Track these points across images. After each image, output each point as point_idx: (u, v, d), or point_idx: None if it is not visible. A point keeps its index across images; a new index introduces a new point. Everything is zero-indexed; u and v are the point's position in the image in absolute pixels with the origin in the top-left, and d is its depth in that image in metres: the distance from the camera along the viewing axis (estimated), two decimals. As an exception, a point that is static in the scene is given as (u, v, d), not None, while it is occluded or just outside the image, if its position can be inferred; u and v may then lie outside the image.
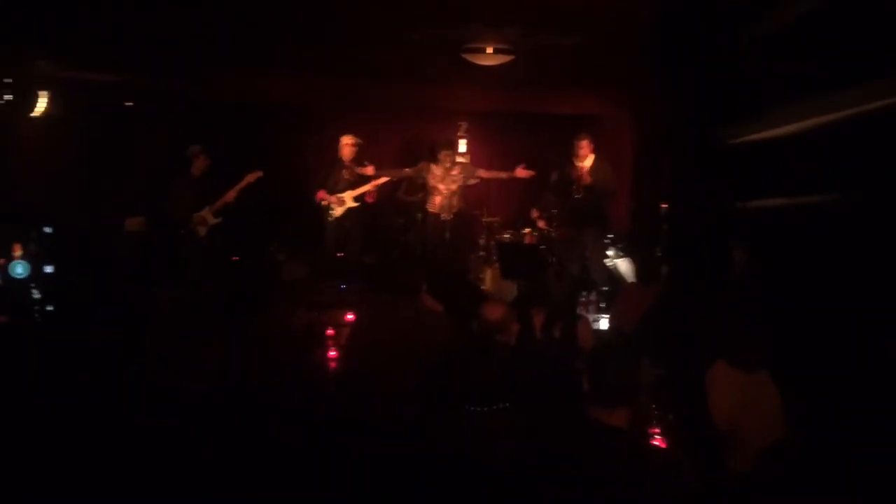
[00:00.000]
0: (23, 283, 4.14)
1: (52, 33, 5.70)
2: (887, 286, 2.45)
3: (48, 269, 4.19)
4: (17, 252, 4.26)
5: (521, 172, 7.50)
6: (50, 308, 4.19)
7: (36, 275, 4.15)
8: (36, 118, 6.49)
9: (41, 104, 6.54)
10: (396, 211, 9.20)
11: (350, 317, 5.33)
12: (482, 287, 7.88)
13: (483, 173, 7.84)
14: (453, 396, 3.06)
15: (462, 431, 2.90)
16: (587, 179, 6.87)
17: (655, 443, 2.95)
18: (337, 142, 7.97)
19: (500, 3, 4.81)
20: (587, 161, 6.97)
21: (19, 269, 4.07)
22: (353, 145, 7.80)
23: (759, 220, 2.76)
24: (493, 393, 2.91)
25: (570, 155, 7.02)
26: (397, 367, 3.50)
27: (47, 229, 4.43)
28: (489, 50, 6.16)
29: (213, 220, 7.48)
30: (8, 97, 6.11)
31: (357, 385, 3.66)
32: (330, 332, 5.18)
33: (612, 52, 6.17)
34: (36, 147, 6.65)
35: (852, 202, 2.28)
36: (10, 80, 6.10)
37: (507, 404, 2.89)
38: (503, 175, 7.75)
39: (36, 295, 4.15)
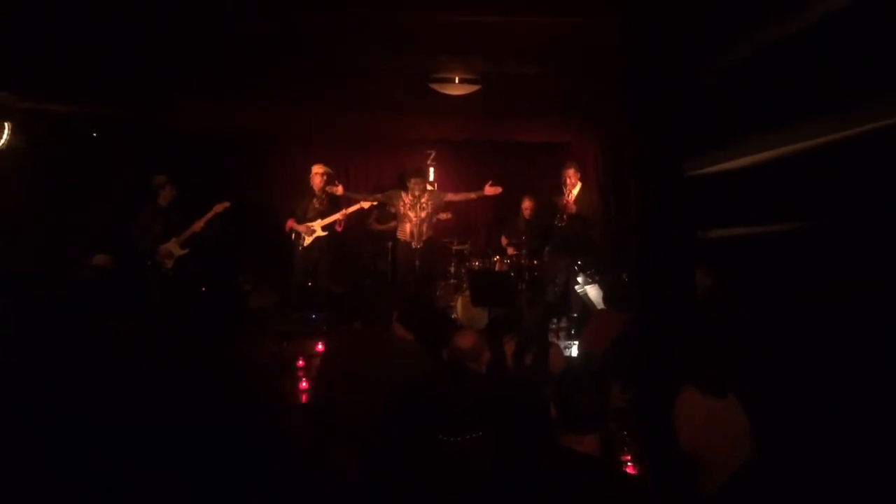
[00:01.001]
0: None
1: (14, 64, 5.65)
2: (850, 308, 2.50)
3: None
4: None
5: (489, 190, 7.59)
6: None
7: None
8: (-2, 150, 6.42)
9: (3, 136, 6.46)
10: (367, 239, 9.19)
11: (320, 347, 5.29)
12: (453, 315, 7.89)
13: (451, 196, 7.90)
14: (426, 426, 3.05)
15: (435, 461, 2.89)
16: (572, 209, 6.99)
17: (626, 469, 2.96)
18: (306, 171, 7.99)
19: (466, 34, 4.88)
20: (575, 190, 7.09)
21: None
22: (322, 174, 7.85)
23: (723, 248, 2.83)
24: (465, 422, 2.90)
25: (557, 183, 7.14)
26: (369, 397, 3.48)
27: None
28: (456, 80, 6.24)
29: (179, 252, 7.41)
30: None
31: (328, 415, 3.63)
32: (300, 362, 5.14)
33: (577, 80, 6.29)
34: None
35: (814, 231, 2.34)
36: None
37: (480, 433, 2.89)
38: (472, 195, 7.81)
39: None
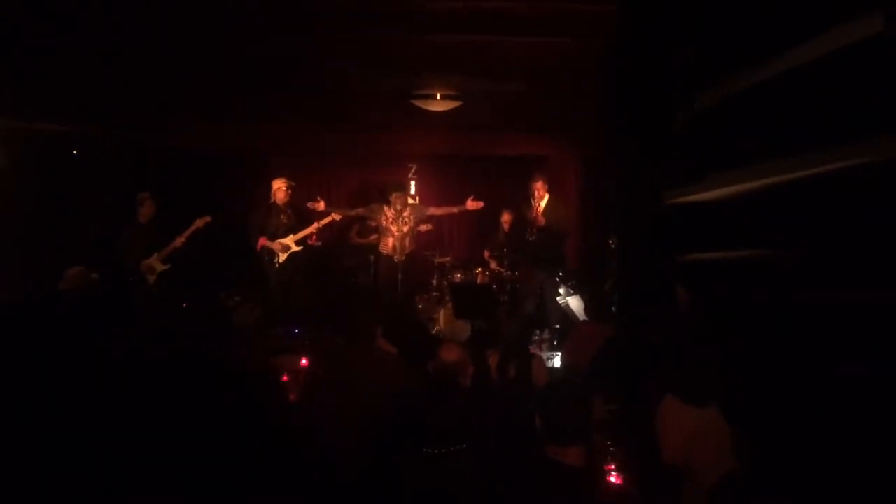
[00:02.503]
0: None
1: (1, 84, 5.64)
2: (823, 323, 2.59)
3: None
4: None
5: (471, 204, 7.63)
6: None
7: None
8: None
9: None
10: (349, 253, 9.19)
11: (304, 361, 5.28)
12: (436, 328, 7.92)
13: (434, 210, 7.92)
14: (411, 439, 3.07)
15: (419, 474, 2.91)
16: (541, 221, 7.04)
17: (611, 479, 3.00)
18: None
19: (448, 54, 4.94)
20: (542, 202, 7.15)
21: None
22: (286, 189, 7.74)
23: (702, 269, 2.91)
24: (450, 435, 2.92)
25: (527, 196, 7.20)
26: (353, 411, 3.49)
27: None
28: (438, 96, 6.30)
29: (161, 267, 7.38)
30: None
31: (313, 429, 3.64)
32: (284, 377, 5.12)
33: (558, 97, 6.38)
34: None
35: (782, 258, 2.47)
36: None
37: (465, 446, 2.91)
38: (454, 209, 7.85)
39: None
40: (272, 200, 7.77)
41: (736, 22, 2.51)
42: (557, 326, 7.26)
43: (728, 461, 2.97)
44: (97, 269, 6.54)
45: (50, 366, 3.82)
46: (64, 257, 6.63)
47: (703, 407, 3.02)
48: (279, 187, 7.73)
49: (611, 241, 7.44)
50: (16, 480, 2.88)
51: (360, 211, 8.03)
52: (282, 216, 7.74)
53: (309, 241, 7.86)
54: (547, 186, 7.21)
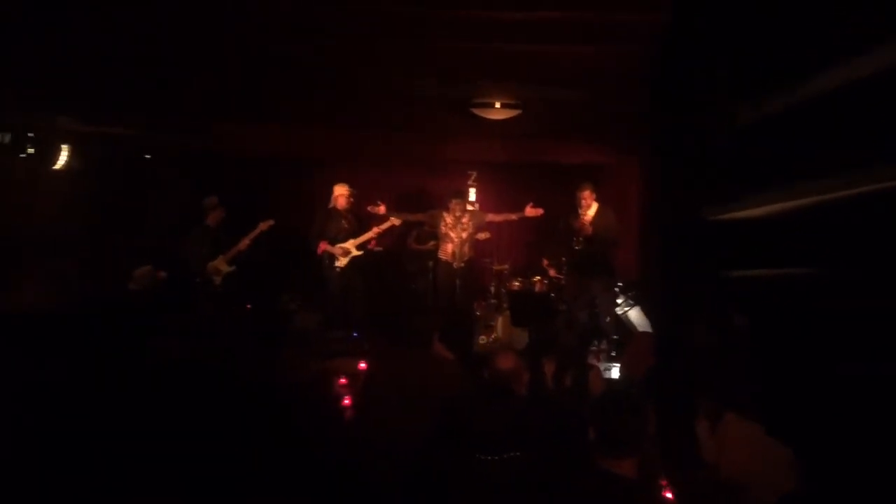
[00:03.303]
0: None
1: (72, 91, 5.91)
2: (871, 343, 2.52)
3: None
4: None
5: (530, 211, 7.60)
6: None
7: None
8: (58, 170, 6.70)
9: (61, 158, 6.74)
10: (407, 259, 9.28)
11: (362, 365, 5.36)
12: (493, 335, 7.92)
13: (492, 217, 7.92)
14: (464, 445, 3.09)
15: (472, 480, 2.93)
16: (588, 230, 6.93)
17: (664, 494, 2.96)
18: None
19: (506, 63, 4.95)
20: (590, 211, 7.05)
21: None
22: (347, 195, 7.87)
23: (752, 288, 2.86)
24: (503, 442, 2.94)
25: (573, 205, 7.11)
26: (409, 416, 3.53)
27: None
28: (497, 105, 6.31)
29: (226, 269, 7.61)
30: (31, 150, 6.33)
31: (369, 433, 3.69)
32: (343, 380, 5.21)
33: (618, 104, 6.32)
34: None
35: (832, 276, 2.43)
36: (33, 135, 6.31)
37: (518, 453, 2.92)
38: (513, 216, 7.83)
39: None
40: (332, 206, 7.91)
41: (784, 38, 2.47)
42: (616, 337, 7.17)
43: (788, 481, 2.90)
44: (165, 270, 6.81)
45: (118, 363, 3.98)
46: (133, 258, 6.90)
47: (763, 425, 2.96)
48: (340, 193, 7.86)
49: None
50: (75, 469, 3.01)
51: (420, 216, 8.08)
52: (342, 221, 7.86)
53: (369, 247, 7.96)
54: (595, 195, 7.10)
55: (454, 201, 7.73)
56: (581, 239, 6.97)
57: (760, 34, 2.56)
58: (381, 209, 7.81)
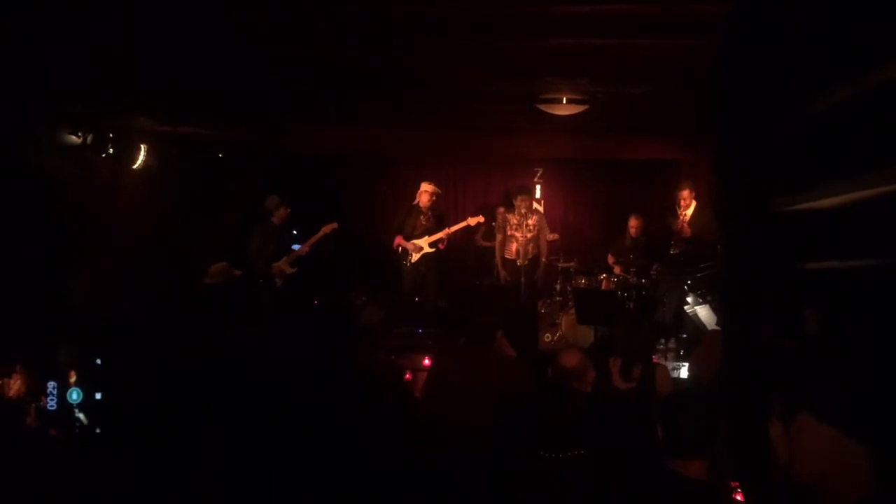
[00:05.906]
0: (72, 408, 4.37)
1: (149, 92, 6.12)
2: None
3: (97, 396, 4.41)
4: (73, 378, 4.53)
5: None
6: (97, 430, 4.36)
7: (87, 401, 4.37)
8: (135, 170, 6.97)
9: (139, 157, 7.01)
10: (472, 256, 9.31)
11: (427, 361, 5.40)
12: (559, 332, 7.88)
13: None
14: (529, 441, 3.08)
15: (535, 477, 2.92)
16: (687, 231, 6.74)
17: (735, 496, 2.89)
18: (413, 189, 8.19)
19: (572, 57, 4.90)
20: (689, 210, 6.84)
21: (74, 396, 4.35)
22: (431, 193, 8.01)
23: (826, 279, 2.74)
24: (566, 439, 2.92)
25: (671, 205, 6.91)
26: (473, 412, 3.54)
27: (98, 360, 4.67)
28: (564, 100, 6.25)
29: (289, 270, 7.71)
30: (110, 151, 6.60)
31: (434, 429, 3.71)
32: (408, 376, 5.26)
33: (687, 98, 6.17)
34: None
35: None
36: (112, 135, 6.57)
37: (583, 451, 2.89)
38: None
39: (83, 419, 4.37)
40: (416, 202, 8.08)
41: (855, 22, 2.35)
42: (685, 336, 7.01)
43: (867, 484, 2.79)
44: (239, 266, 6.99)
45: (195, 356, 4.11)
46: (207, 254, 7.11)
47: (840, 426, 2.85)
48: (426, 190, 8.04)
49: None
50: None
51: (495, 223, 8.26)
52: (421, 218, 8.04)
53: (439, 246, 8.07)
54: (695, 193, 6.89)
55: (520, 197, 7.73)
56: (679, 241, 6.75)
57: (830, 19, 2.46)
58: (480, 219, 8.09)
